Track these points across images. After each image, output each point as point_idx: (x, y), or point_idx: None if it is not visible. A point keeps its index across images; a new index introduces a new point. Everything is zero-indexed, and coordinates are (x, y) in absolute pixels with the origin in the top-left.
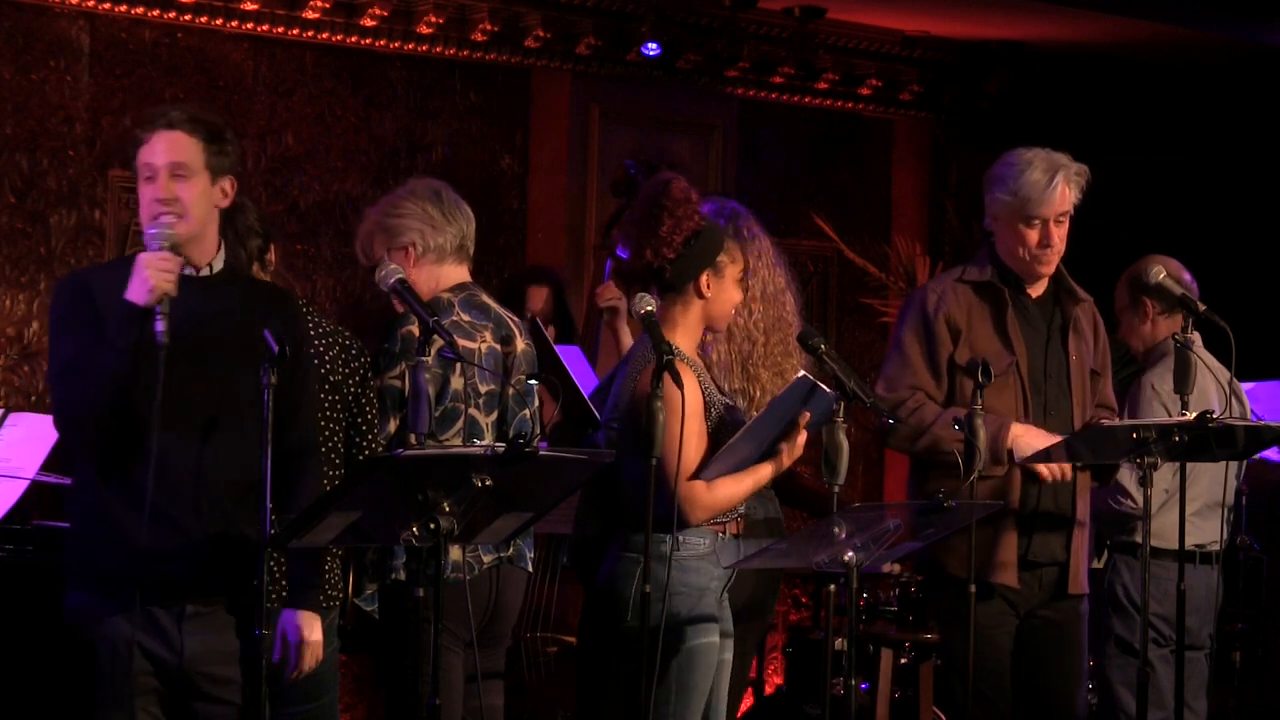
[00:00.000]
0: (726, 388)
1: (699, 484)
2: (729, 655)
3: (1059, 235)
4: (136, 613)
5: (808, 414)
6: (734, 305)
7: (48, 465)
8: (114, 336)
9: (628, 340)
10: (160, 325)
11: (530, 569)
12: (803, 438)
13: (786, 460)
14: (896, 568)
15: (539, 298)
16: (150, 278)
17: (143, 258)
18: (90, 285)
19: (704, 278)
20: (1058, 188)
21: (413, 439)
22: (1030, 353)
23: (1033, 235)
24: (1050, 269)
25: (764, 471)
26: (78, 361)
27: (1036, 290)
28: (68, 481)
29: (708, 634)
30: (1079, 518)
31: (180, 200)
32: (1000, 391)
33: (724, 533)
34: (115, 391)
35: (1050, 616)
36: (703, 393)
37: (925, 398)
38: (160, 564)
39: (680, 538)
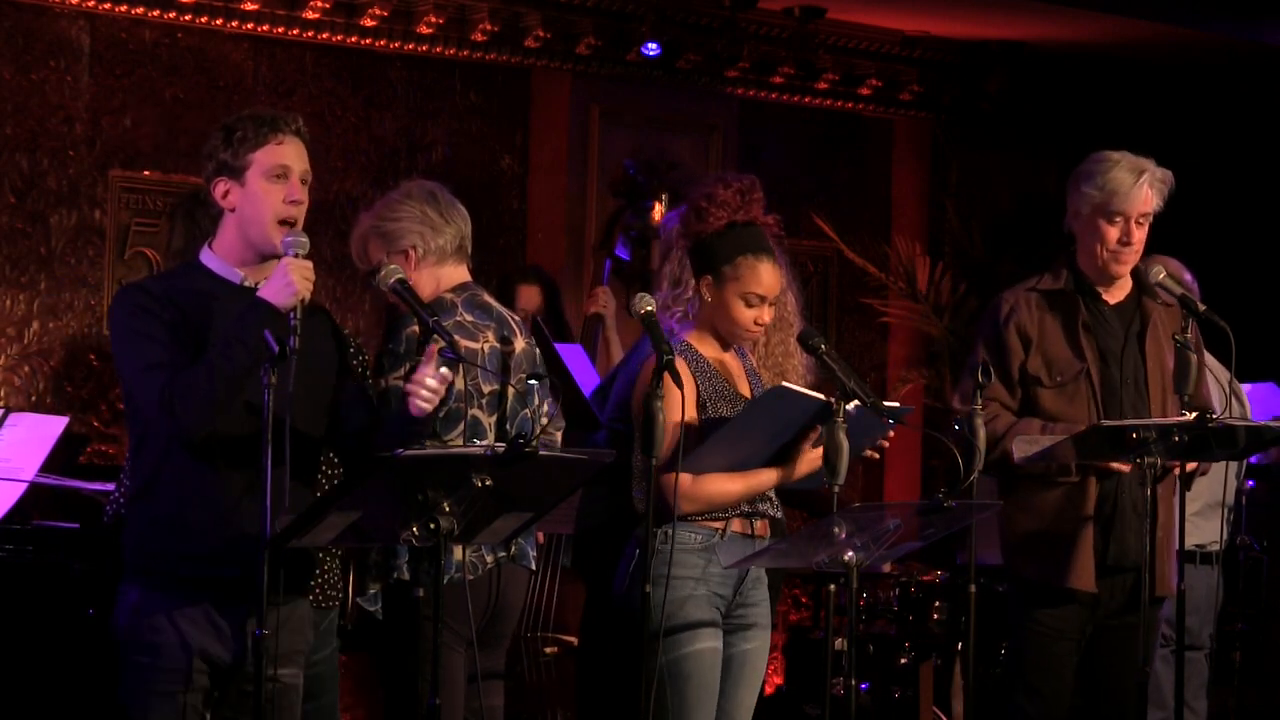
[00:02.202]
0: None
1: (684, 476)
2: (751, 646)
3: (1139, 236)
4: (201, 614)
5: (819, 429)
6: (740, 324)
7: (47, 466)
8: (243, 334)
9: (616, 350)
10: (293, 322)
11: (533, 567)
12: (812, 454)
13: (787, 474)
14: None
15: (529, 296)
16: (295, 282)
17: (288, 262)
18: (155, 289)
19: (704, 282)
20: (1143, 187)
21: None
22: (1104, 360)
23: (1113, 232)
24: (1126, 269)
25: (762, 477)
26: (170, 358)
27: (1115, 296)
28: (70, 483)
29: (702, 631)
30: (1161, 520)
31: (303, 206)
32: (1072, 399)
33: (724, 530)
34: (237, 387)
35: (1127, 623)
36: (699, 391)
37: (999, 408)
38: (230, 567)
39: (666, 531)
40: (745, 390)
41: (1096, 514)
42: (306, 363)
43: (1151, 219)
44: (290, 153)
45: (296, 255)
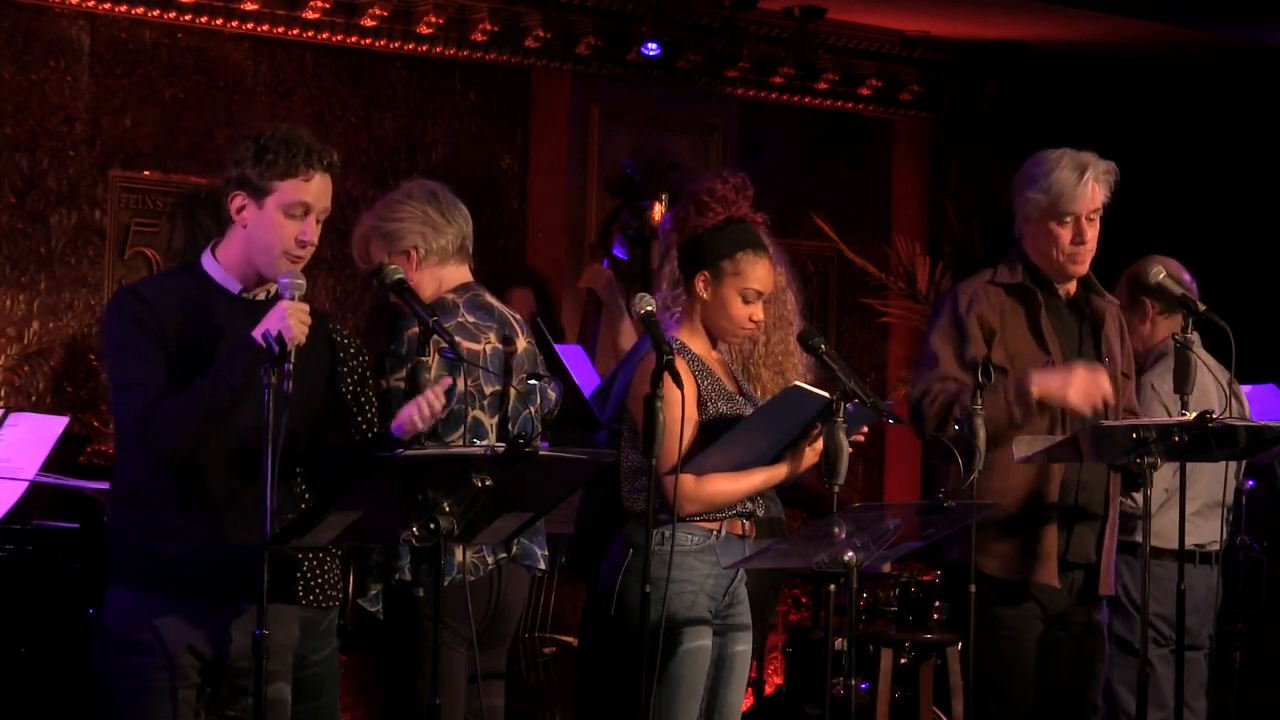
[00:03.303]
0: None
1: (687, 477)
2: (741, 648)
3: (1091, 233)
4: (191, 613)
5: (819, 426)
6: (736, 320)
7: (47, 466)
8: (230, 373)
9: (628, 337)
10: (288, 369)
11: (543, 566)
12: (813, 450)
13: (790, 470)
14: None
15: (523, 300)
16: (292, 326)
17: (286, 306)
18: (149, 297)
19: (700, 277)
20: (1088, 184)
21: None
22: (1065, 353)
23: (1065, 234)
24: (1084, 268)
25: (764, 475)
26: (155, 378)
27: (1068, 292)
28: (70, 483)
29: (696, 632)
30: (1110, 518)
31: (312, 247)
32: None
33: (719, 531)
34: (217, 422)
35: (1076, 620)
36: (699, 390)
37: (952, 381)
38: (219, 570)
39: (666, 533)
40: (733, 387)
41: (1058, 506)
42: (297, 372)
43: (1101, 213)
44: (314, 190)
45: (293, 298)
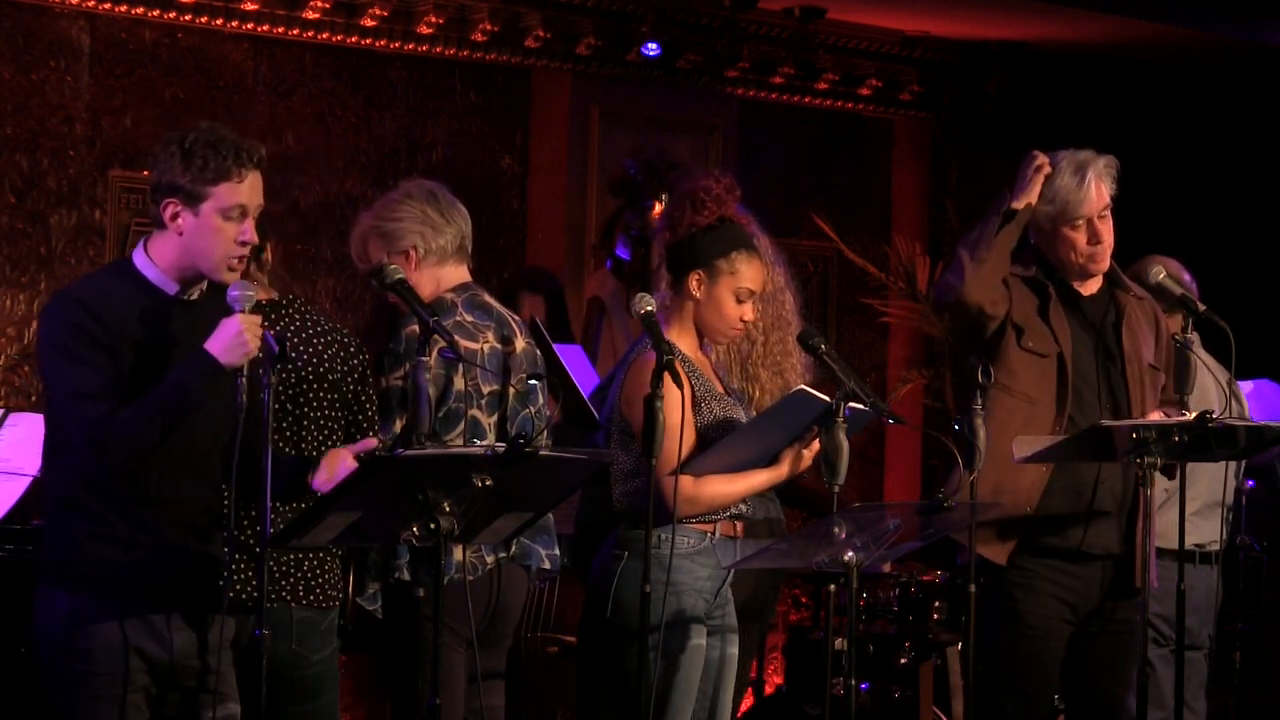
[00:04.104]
0: (735, 387)
1: (684, 478)
2: (733, 650)
3: (1106, 230)
4: (136, 614)
5: (817, 430)
6: (728, 320)
7: None
8: (188, 385)
9: (620, 339)
10: (242, 384)
11: (546, 565)
12: (810, 452)
13: (788, 471)
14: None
15: (533, 306)
16: (249, 341)
17: (240, 320)
18: (93, 305)
19: (694, 276)
20: (1091, 185)
21: (413, 439)
22: (1076, 345)
23: (1080, 238)
24: (1104, 265)
25: (761, 478)
26: (106, 389)
27: (1089, 289)
28: None
29: (694, 635)
30: (1140, 509)
31: (250, 245)
32: (1040, 379)
33: (714, 532)
34: (172, 432)
35: (1111, 619)
36: (694, 390)
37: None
38: (158, 571)
39: (663, 535)
40: (721, 388)
41: (1074, 498)
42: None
43: (1111, 207)
44: (248, 190)
45: (244, 310)
